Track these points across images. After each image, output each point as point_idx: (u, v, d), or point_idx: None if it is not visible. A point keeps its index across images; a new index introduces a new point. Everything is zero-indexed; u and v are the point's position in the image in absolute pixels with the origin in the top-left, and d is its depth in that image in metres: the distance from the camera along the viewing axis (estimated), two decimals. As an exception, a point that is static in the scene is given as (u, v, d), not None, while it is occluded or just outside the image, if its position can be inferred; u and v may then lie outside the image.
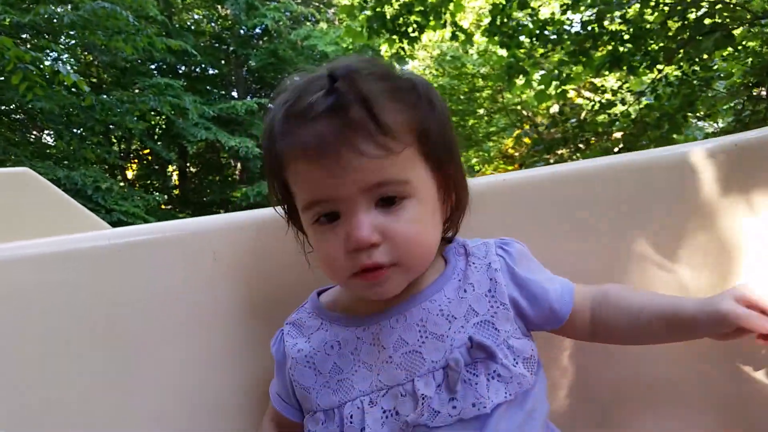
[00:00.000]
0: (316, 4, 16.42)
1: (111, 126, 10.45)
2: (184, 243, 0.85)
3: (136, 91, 9.58)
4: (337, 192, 0.63)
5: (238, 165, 15.03)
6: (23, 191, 1.27)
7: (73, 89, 7.63)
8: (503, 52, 6.04)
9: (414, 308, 0.68)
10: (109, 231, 0.85)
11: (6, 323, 0.73)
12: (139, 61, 11.75)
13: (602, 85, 5.70)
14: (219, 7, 14.60)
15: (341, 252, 0.64)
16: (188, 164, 15.02)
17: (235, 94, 15.10)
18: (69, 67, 7.61)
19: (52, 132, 9.76)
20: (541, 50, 5.42)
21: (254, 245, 0.88)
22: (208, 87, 14.34)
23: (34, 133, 10.60)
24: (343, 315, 0.73)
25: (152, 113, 10.68)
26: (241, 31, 14.63)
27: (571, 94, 5.80)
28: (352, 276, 0.65)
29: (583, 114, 5.77)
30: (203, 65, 14.42)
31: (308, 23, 15.24)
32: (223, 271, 0.86)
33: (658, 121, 5.82)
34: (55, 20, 8.36)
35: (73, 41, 9.69)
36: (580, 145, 5.47)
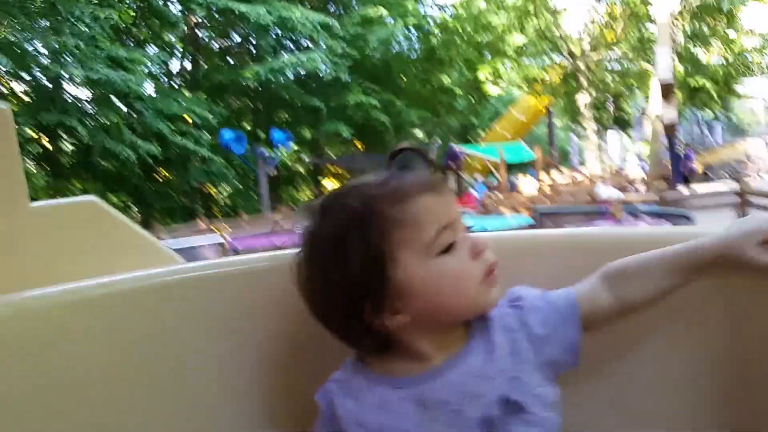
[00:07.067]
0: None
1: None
2: (242, 278, 0.96)
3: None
4: (456, 215, 0.79)
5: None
6: (90, 221, 1.30)
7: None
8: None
9: (451, 373, 0.78)
10: (170, 268, 0.97)
11: (75, 359, 0.81)
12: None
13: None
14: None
15: (470, 261, 0.77)
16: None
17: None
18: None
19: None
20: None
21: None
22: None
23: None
24: (385, 377, 0.81)
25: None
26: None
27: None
28: (481, 282, 0.77)
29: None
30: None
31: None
32: (279, 309, 0.93)
33: None
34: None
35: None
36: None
